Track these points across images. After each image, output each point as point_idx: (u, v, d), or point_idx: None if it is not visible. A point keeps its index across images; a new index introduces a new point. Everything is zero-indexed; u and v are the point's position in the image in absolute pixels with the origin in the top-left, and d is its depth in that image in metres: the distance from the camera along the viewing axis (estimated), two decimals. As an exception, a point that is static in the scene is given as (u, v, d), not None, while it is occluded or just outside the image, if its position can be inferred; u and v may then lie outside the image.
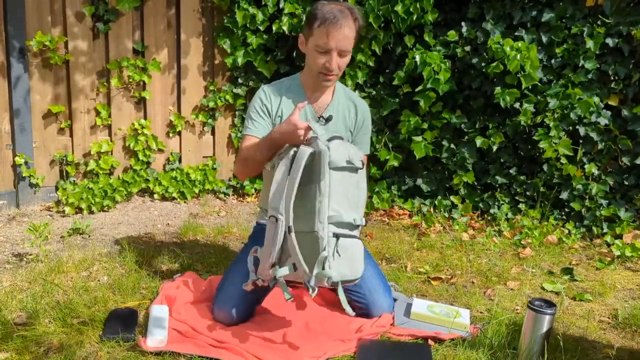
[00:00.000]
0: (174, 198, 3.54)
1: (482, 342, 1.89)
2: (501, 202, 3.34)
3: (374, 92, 3.51)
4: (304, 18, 2.04)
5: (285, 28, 3.40)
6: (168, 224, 3.16)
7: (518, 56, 3.09)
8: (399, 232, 3.18)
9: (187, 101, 3.60)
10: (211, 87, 3.62)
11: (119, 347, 1.81)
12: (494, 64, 3.15)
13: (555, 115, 3.17)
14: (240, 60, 3.53)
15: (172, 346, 1.81)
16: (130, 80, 3.38)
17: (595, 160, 3.21)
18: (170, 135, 3.60)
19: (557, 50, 3.20)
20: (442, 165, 3.48)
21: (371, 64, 3.45)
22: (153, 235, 2.95)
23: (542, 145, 3.15)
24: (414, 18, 3.26)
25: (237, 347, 1.80)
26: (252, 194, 3.71)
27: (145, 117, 3.51)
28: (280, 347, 1.85)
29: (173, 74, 3.55)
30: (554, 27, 3.20)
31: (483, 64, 3.23)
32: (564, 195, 3.23)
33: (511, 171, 3.35)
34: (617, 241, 2.92)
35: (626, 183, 3.17)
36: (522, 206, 3.31)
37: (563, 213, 3.27)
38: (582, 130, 3.16)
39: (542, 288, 2.47)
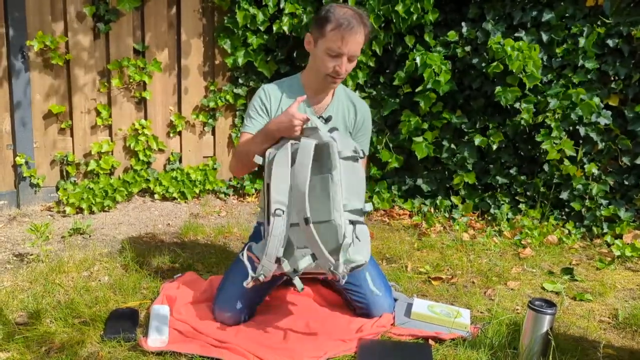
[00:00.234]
0: (174, 198, 3.54)
1: (483, 342, 1.89)
2: (501, 202, 3.34)
3: (374, 93, 3.52)
4: (313, 18, 2.04)
5: (285, 28, 3.40)
6: (168, 224, 3.16)
7: (520, 56, 3.09)
8: (399, 232, 3.18)
9: (188, 101, 3.61)
10: (212, 87, 3.62)
11: (120, 347, 1.81)
12: (494, 64, 3.15)
13: (556, 116, 3.17)
14: (240, 61, 3.53)
15: (173, 346, 1.81)
16: (131, 80, 3.38)
17: (595, 160, 3.21)
18: (171, 135, 3.60)
19: (557, 50, 3.20)
20: (443, 166, 3.48)
21: (371, 64, 3.45)
22: (154, 235, 2.95)
23: (544, 146, 3.15)
24: (415, 18, 3.26)
25: (238, 347, 1.80)
26: (253, 194, 3.72)
27: (145, 117, 3.51)
28: (281, 347, 1.86)
29: (174, 74, 3.56)
30: (554, 27, 3.20)
31: (483, 64, 3.23)
32: (564, 195, 3.23)
33: (511, 171, 3.35)
34: (617, 241, 2.92)
35: (626, 183, 3.18)
36: (522, 206, 3.31)
37: (563, 213, 3.27)
38: (582, 130, 3.16)
39: (543, 288, 2.47)
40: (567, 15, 3.19)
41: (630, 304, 2.34)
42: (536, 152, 3.28)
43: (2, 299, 2.10)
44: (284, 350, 1.82)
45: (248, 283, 1.82)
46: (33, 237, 2.67)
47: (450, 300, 2.30)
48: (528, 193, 3.32)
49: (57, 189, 3.31)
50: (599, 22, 3.14)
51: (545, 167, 3.25)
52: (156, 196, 3.52)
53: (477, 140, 3.30)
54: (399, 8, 3.24)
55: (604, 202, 3.18)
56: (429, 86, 3.25)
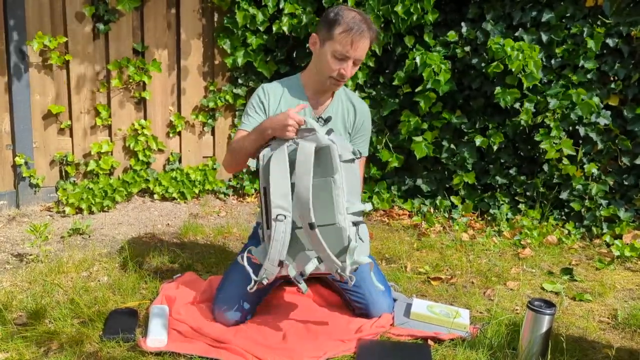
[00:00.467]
0: (174, 198, 3.54)
1: (482, 343, 1.89)
2: (501, 202, 3.34)
3: (374, 93, 3.52)
4: (321, 19, 2.04)
5: (285, 28, 3.40)
6: (168, 224, 3.16)
7: (520, 56, 3.09)
8: (398, 232, 3.18)
9: (187, 101, 3.61)
10: (211, 88, 3.62)
11: (119, 347, 1.81)
12: (494, 64, 3.15)
13: (556, 116, 3.17)
14: (240, 61, 3.53)
15: (172, 346, 1.81)
16: (131, 80, 3.38)
17: (595, 161, 3.21)
18: (170, 135, 3.60)
19: (557, 51, 3.20)
20: (442, 166, 3.48)
21: (371, 64, 3.45)
22: (153, 235, 2.95)
23: (543, 146, 3.15)
24: (414, 18, 3.26)
25: (237, 347, 1.80)
26: (252, 194, 3.72)
27: (145, 118, 3.51)
28: (280, 347, 1.86)
29: (173, 74, 3.56)
30: (553, 27, 3.20)
31: (483, 64, 3.23)
32: (564, 196, 3.23)
33: (511, 171, 3.35)
34: (616, 241, 2.92)
35: (626, 183, 3.18)
36: (522, 206, 3.31)
37: (563, 213, 3.27)
38: (582, 131, 3.16)
39: (542, 288, 2.47)
40: (567, 15, 3.19)
41: (630, 304, 2.34)
42: (536, 152, 3.28)
43: (2, 299, 2.09)
44: (283, 351, 1.82)
45: (252, 288, 1.82)
46: (32, 237, 2.67)
47: (450, 301, 2.30)
48: (528, 193, 3.32)
49: (57, 189, 3.31)
50: (598, 22, 3.14)
51: (545, 167, 3.25)
52: (156, 196, 3.52)
53: (477, 140, 3.30)
54: (399, 8, 3.24)
55: (603, 202, 3.18)
56: (428, 86, 3.25)
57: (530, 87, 3.17)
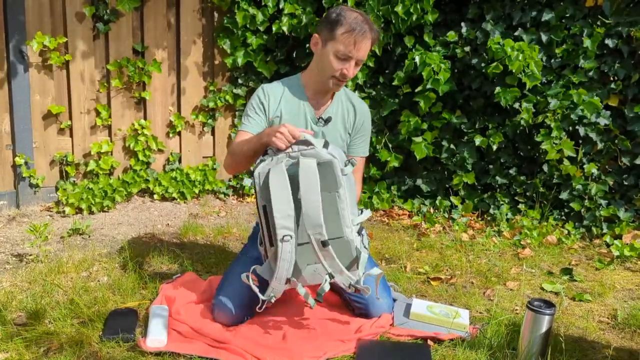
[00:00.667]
0: (173, 198, 3.54)
1: (482, 343, 1.89)
2: (501, 202, 3.34)
3: (373, 93, 3.52)
4: (322, 19, 2.05)
5: (285, 28, 3.40)
6: (168, 224, 3.16)
7: (520, 56, 3.09)
8: (398, 232, 3.18)
9: (187, 101, 3.61)
10: (211, 88, 3.62)
11: (119, 347, 1.81)
12: (494, 64, 3.15)
13: (556, 116, 3.17)
14: (240, 61, 3.53)
15: (171, 346, 1.81)
16: (131, 80, 3.38)
17: (594, 161, 3.21)
18: (170, 135, 3.61)
19: (557, 51, 3.20)
20: (442, 166, 3.48)
21: (371, 64, 3.45)
22: (153, 235, 2.95)
23: (544, 146, 3.15)
24: (414, 18, 3.26)
25: (237, 348, 1.80)
26: (252, 195, 3.72)
27: (145, 118, 3.51)
28: (280, 347, 1.86)
29: (173, 74, 3.56)
30: (553, 27, 3.20)
31: (483, 65, 3.23)
32: (564, 196, 3.23)
33: (511, 171, 3.35)
34: (616, 241, 2.92)
35: (626, 183, 3.18)
36: (521, 206, 3.31)
37: (562, 213, 3.27)
38: (581, 131, 3.16)
39: (542, 288, 2.47)
40: (566, 15, 3.19)
41: (630, 304, 2.34)
42: (536, 153, 3.28)
43: (1, 300, 2.09)
44: (283, 351, 1.82)
45: (260, 308, 1.84)
46: (32, 237, 2.67)
47: (449, 301, 2.30)
48: (527, 193, 3.32)
49: (57, 189, 3.31)
50: (598, 23, 3.14)
51: (545, 168, 3.25)
52: (155, 196, 3.52)
53: (477, 140, 3.30)
54: (399, 9, 3.24)
55: (603, 202, 3.18)
56: (428, 86, 3.25)
57: (530, 87, 3.17)
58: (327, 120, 2.12)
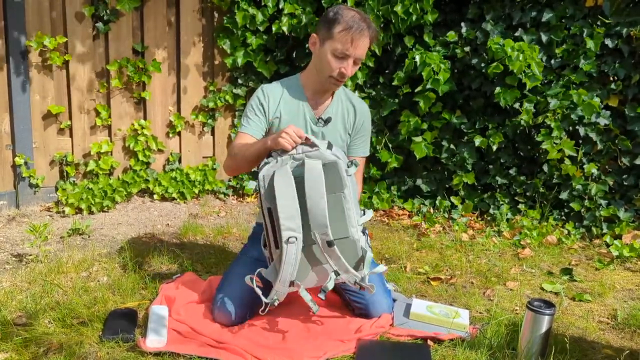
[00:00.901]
0: (173, 198, 3.54)
1: (482, 343, 1.89)
2: (501, 202, 3.34)
3: (373, 93, 3.52)
4: (320, 19, 2.05)
5: (285, 29, 3.40)
6: (168, 224, 3.16)
7: (520, 57, 3.09)
8: (398, 232, 3.18)
9: (187, 101, 3.61)
10: (211, 88, 3.62)
11: (119, 347, 1.81)
12: (494, 64, 3.15)
13: (557, 116, 3.17)
14: (240, 61, 3.53)
15: (171, 346, 1.81)
16: (130, 80, 3.38)
17: (594, 161, 3.21)
18: (170, 135, 3.60)
19: (557, 51, 3.20)
20: (442, 166, 3.48)
21: (371, 64, 3.45)
22: (153, 235, 2.95)
23: (544, 146, 3.15)
24: (414, 18, 3.26)
25: (237, 348, 1.80)
26: (252, 195, 3.71)
27: (145, 118, 3.51)
28: (280, 347, 1.86)
29: (173, 74, 3.56)
30: (553, 28, 3.20)
31: (483, 65, 3.23)
32: (564, 196, 3.23)
33: (511, 171, 3.35)
34: (616, 241, 2.92)
35: (625, 183, 3.18)
36: (521, 206, 3.31)
37: (562, 213, 3.27)
38: (581, 131, 3.16)
39: (542, 288, 2.47)
40: (566, 15, 3.19)
41: (629, 304, 2.34)
42: (535, 153, 3.28)
43: (1, 300, 2.09)
44: (282, 351, 1.82)
45: (264, 310, 1.84)
46: (32, 237, 2.67)
47: (449, 301, 2.30)
48: (527, 193, 3.32)
49: (57, 189, 3.31)
50: (598, 23, 3.14)
51: (545, 168, 3.25)
52: (155, 196, 3.52)
53: (477, 140, 3.30)
54: (398, 8, 3.24)
55: (603, 202, 3.18)
56: (428, 86, 3.25)
57: (531, 87, 3.17)
58: (326, 121, 2.11)
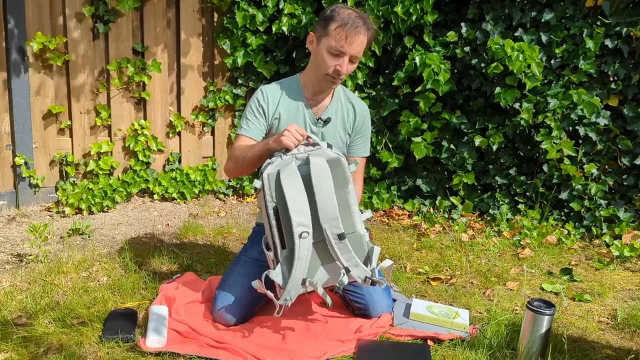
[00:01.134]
0: (173, 198, 3.54)
1: (481, 343, 1.89)
2: (501, 202, 3.34)
3: (373, 93, 3.52)
4: (318, 17, 2.05)
5: (285, 29, 3.40)
6: (168, 224, 3.16)
7: (520, 57, 3.09)
8: (398, 232, 3.18)
9: (187, 101, 3.61)
10: (211, 88, 3.62)
11: (119, 347, 1.81)
12: (494, 64, 3.15)
13: (556, 116, 3.17)
14: (240, 61, 3.53)
15: (171, 347, 1.81)
16: (130, 80, 3.38)
17: (594, 161, 3.21)
18: (170, 135, 3.61)
19: (557, 51, 3.20)
20: (442, 166, 3.48)
21: (371, 64, 3.45)
22: (153, 235, 2.95)
23: (544, 146, 3.15)
24: (414, 19, 3.26)
25: (237, 348, 1.80)
26: (252, 195, 3.72)
27: (145, 118, 3.51)
28: (280, 347, 1.86)
29: (173, 74, 3.56)
30: (553, 28, 3.20)
31: (483, 65, 3.23)
32: (564, 196, 3.23)
33: (511, 171, 3.35)
34: (616, 241, 2.92)
35: (625, 183, 3.18)
36: (521, 206, 3.31)
37: (562, 213, 3.27)
38: (581, 131, 3.16)
39: (542, 288, 2.47)
40: (566, 15, 3.19)
41: (629, 304, 2.34)
42: (535, 153, 3.28)
43: (1, 300, 2.10)
44: (282, 351, 1.83)
45: (279, 312, 1.83)
46: (32, 237, 2.67)
47: (449, 301, 2.30)
48: (527, 193, 3.32)
49: (57, 189, 3.31)
50: (598, 23, 3.14)
51: (545, 168, 3.25)
52: (155, 196, 3.52)
53: (477, 140, 3.30)
54: (398, 9, 3.24)
55: (603, 202, 3.18)
56: (428, 86, 3.25)
57: (531, 88, 3.17)
58: (326, 121, 2.11)
